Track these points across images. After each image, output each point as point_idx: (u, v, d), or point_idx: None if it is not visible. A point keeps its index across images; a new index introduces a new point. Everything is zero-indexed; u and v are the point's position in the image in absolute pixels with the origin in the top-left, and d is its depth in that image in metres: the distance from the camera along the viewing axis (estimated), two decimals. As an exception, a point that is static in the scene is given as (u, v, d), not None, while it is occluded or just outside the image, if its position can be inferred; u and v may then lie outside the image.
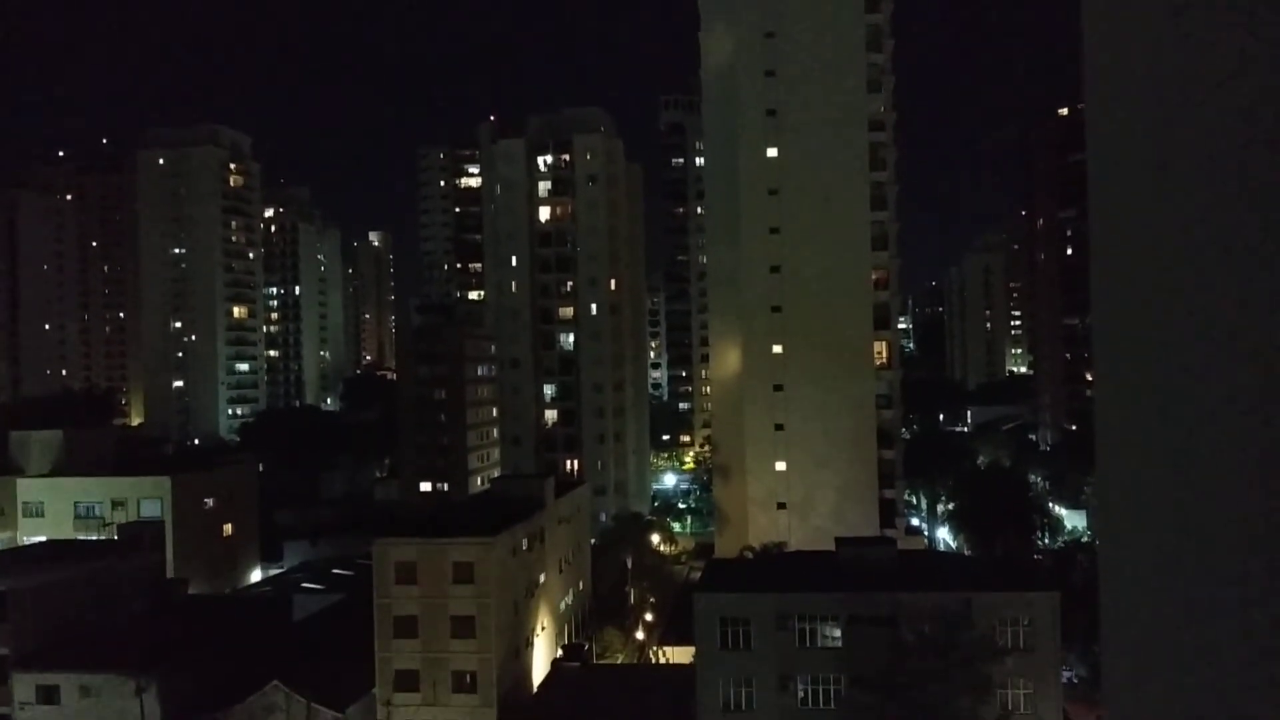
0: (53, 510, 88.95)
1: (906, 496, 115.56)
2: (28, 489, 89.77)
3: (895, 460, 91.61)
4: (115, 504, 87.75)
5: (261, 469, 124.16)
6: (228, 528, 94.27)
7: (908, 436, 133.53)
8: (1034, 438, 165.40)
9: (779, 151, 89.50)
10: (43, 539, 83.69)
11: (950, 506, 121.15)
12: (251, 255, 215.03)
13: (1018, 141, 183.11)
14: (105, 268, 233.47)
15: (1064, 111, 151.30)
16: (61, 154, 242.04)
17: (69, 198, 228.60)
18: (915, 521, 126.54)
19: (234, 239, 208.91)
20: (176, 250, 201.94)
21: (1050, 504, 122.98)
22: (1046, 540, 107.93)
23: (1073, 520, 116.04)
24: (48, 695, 60.64)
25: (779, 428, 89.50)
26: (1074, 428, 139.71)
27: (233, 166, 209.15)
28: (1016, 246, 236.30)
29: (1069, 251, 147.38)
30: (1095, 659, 55.14)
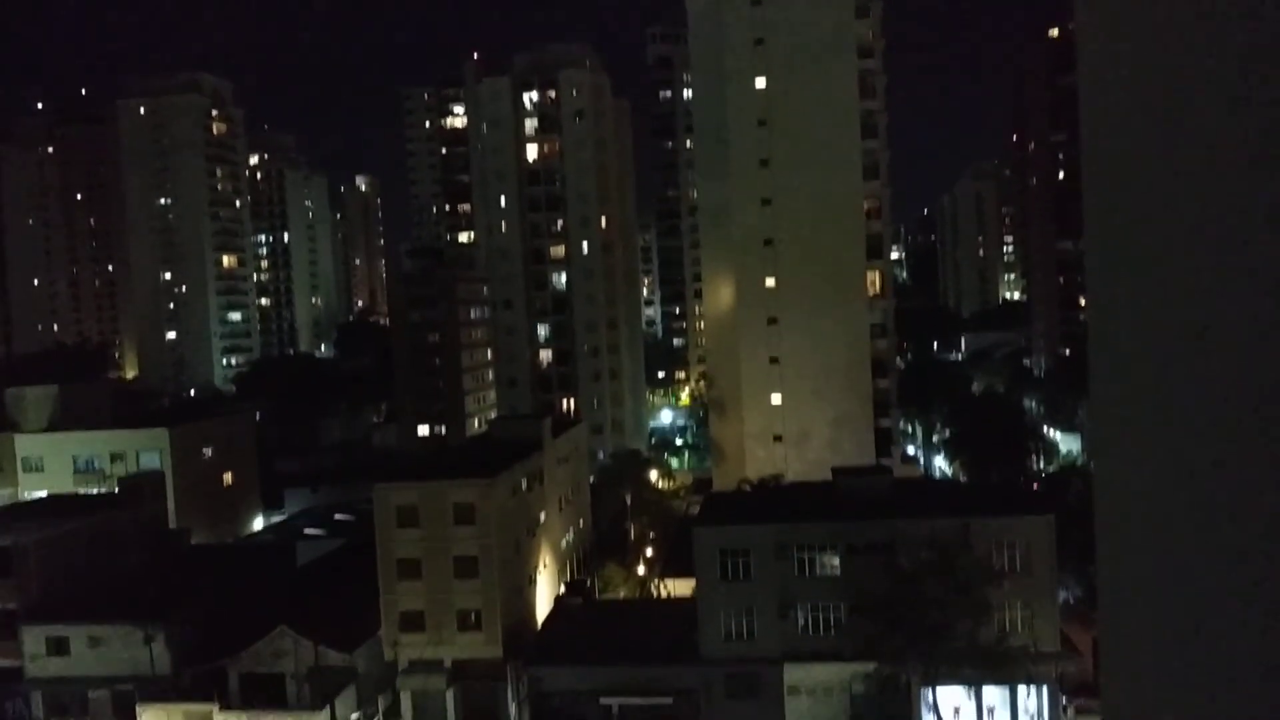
0: (52, 465, 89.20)
1: (902, 425, 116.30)
2: (26, 445, 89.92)
3: (890, 390, 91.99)
4: (114, 457, 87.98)
5: (259, 418, 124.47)
6: (228, 477, 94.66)
7: (902, 366, 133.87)
8: (1028, 363, 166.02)
9: (767, 82, 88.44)
10: (44, 494, 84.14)
11: (946, 434, 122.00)
12: (238, 203, 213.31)
13: (1008, 65, 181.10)
14: (91, 220, 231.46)
15: (1054, 33, 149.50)
16: (40, 105, 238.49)
17: (50, 150, 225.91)
18: (911, 450, 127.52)
19: (220, 188, 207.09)
20: (162, 200, 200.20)
21: (1045, 428, 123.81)
22: (1042, 464, 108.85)
23: (1067, 444, 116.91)
24: (58, 646, 61.40)
25: (774, 361, 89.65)
26: (1068, 352, 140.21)
27: (215, 114, 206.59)
28: (1008, 172, 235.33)
29: (1060, 175, 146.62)
30: (1091, 579, 55.90)
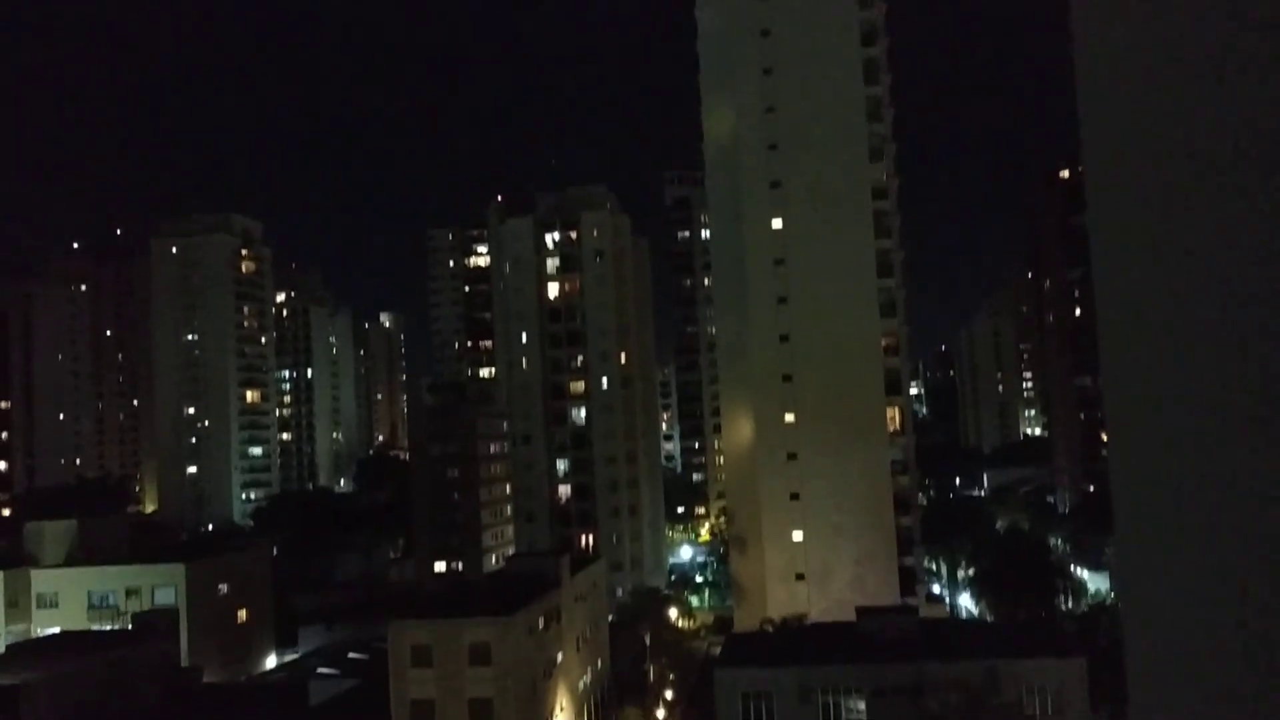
0: (67, 601, 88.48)
1: (926, 563, 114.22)
2: (42, 580, 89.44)
3: (913, 527, 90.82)
4: (129, 593, 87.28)
5: (275, 553, 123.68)
6: (242, 614, 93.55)
7: (924, 503, 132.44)
8: (1052, 500, 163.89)
9: (784, 222, 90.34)
10: (56, 630, 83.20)
11: (970, 572, 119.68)
12: (264, 340, 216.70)
13: (1021, 204, 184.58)
14: (119, 355, 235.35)
15: (1065, 174, 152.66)
16: (77, 245, 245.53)
17: (83, 288, 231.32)
18: (936, 588, 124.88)
19: (246, 324, 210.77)
20: (189, 337, 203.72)
21: (1072, 567, 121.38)
22: (1070, 604, 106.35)
23: (1095, 583, 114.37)
24: (62, 790, 59.72)
25: (794, 497, 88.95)
26: (1092, 489, 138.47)
27: (245, 253, 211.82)
28: (1025, 309, 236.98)
29: (1077, 312, 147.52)
30: (1126, 726, 53.95)
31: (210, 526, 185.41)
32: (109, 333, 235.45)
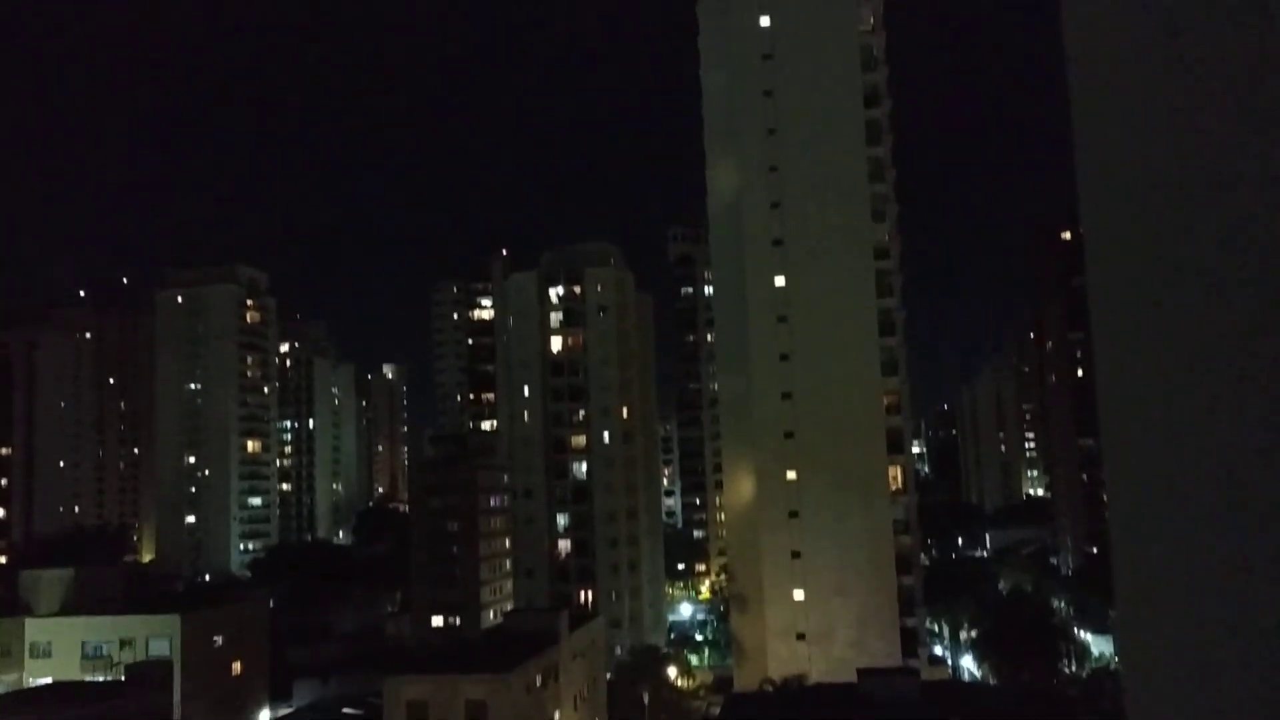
0: (60, 650, 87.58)
1: (928, 624, 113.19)
2: (35, 629, 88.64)
3: (915, 587, 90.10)
4: (123, 643, 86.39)
5: (272, 604, 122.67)
6: (237, 666, 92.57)
7: (927, 563, 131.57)
8: (1055, 561, 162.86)
9: (786, 280, 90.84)
10: (49, 680, 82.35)
11: (973, 634, 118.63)
12: (266, 390, 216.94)
13: (1023, 265, 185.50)
14: (122, 404, 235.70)
15: (1067, 235, 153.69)
16: (82, 294, 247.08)
17: (88, 336, 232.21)
18: (938, 650, 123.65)
19: (249, 374, 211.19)
20: (192, 386, 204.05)
21: (1075, 629, 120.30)
22: (1073, 668, 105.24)
23: (1099, 646, 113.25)
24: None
25: (795, 555, 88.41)
26: (1095, 551, 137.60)
27: (249, 303, 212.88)
28: (1027, 369, 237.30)
29: (1079, 373, 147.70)
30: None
31: (207, 576, 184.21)
32: (112, 381, 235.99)
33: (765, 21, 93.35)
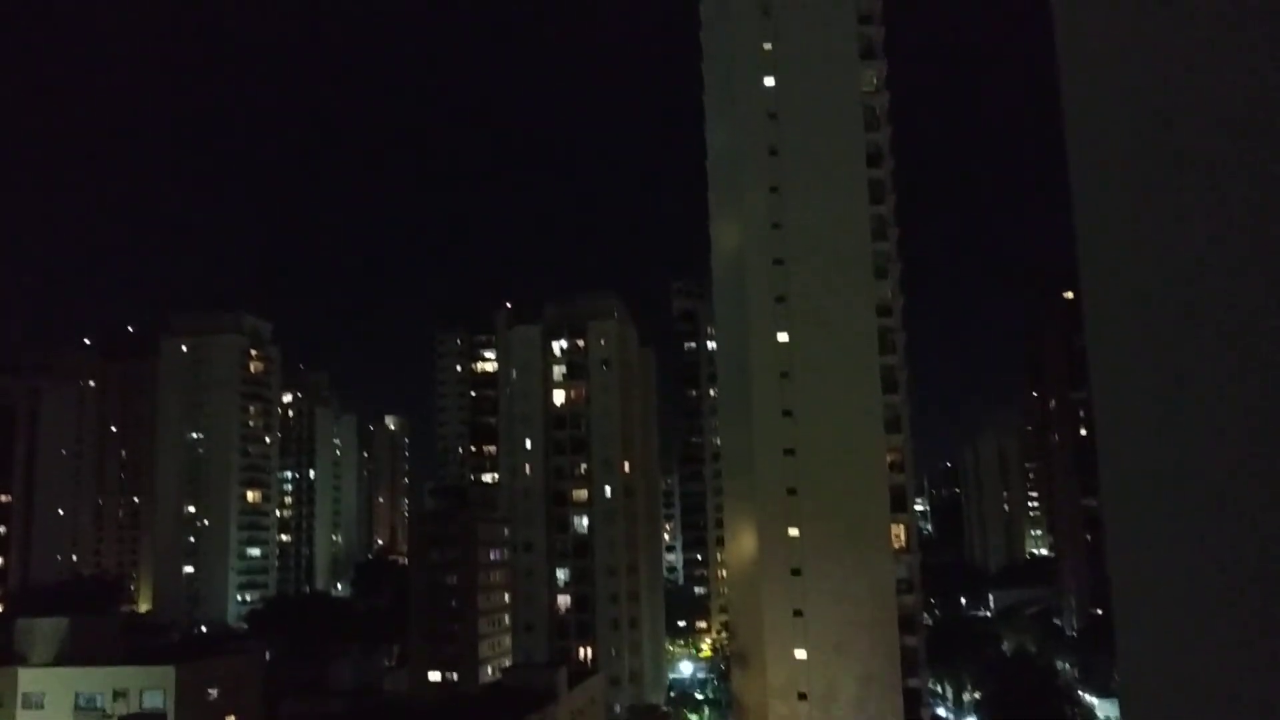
0: (53, 701, 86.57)
1: (931, 685, 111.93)
2: (29, 679, 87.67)
3: (918, 647, 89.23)
4: (117, 694, 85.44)
5: (268, 657, 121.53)
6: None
7: (930, 622, 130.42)
8: (1059, 623, 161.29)
9: (789, 336, 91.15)
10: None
11: (976, 696, 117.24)
12: (268, 439, 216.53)
13: (1025, 323, 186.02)
14: (123, 452, 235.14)
15: (1069, 295, 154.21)
16: (87, 341, 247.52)
17: (91, 383, 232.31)
18: (941, 712, 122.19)
19: (251, 424, 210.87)
20: (194, 435, 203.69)
21: (1080, 692, 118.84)
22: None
23: (1104, 709, 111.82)
24: None
25: (797, 614, 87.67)
26: (1099, 612, 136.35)
27: (253, 353, 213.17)
28: (1030, 428, 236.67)
29: (1082, 432, 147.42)
30: None
31: (204, 628, 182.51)
32: (114, 429, 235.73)
33: (770, 81, 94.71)
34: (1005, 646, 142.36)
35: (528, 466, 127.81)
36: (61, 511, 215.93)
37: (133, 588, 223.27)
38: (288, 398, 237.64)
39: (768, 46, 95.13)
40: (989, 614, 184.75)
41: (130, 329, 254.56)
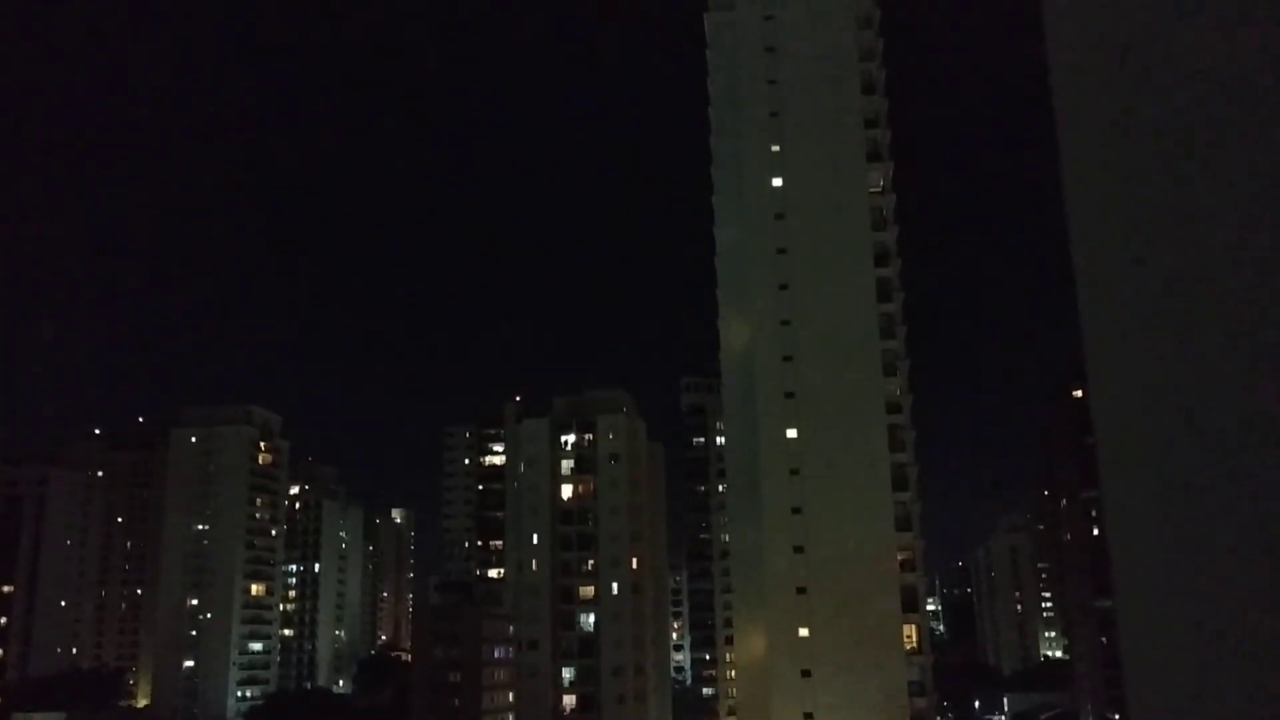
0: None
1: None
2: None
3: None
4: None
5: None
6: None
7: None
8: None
9: (798, 432, 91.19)
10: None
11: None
12: (274, 532, 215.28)
13: (1036, 423, 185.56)
14: (128, 543, 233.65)
15: (1079, 393, 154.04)
16: (97, 431, 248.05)
17: (99, 474, 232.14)
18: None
19: (258, 516, 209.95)
20: (200, 527, 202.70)
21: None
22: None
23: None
24: None
25: (808, 716, 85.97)
26: (1116, 717, 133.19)
27: (262, 445, 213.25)
28: (1042, 527, 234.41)
29: (1095, 532, 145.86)
30: None
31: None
32: (120, 519, 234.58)
33: (778, 182, 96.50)
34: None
35: (534, 562, 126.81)
36: (63, 603, 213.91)
37: (132, 681, 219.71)
38: (295, 490, 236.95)
39: (776, 149, 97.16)
40: (1003, 718, 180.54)
41: (140, 420, 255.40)
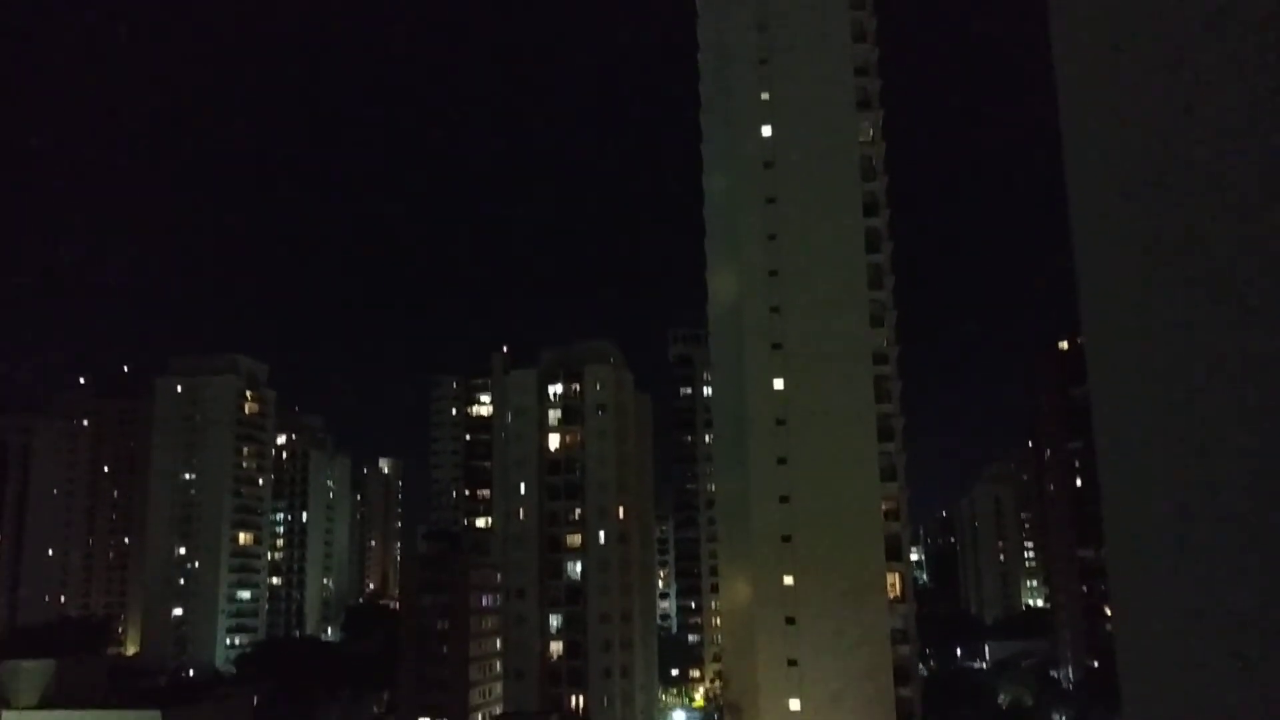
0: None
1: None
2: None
3: (913, 699, 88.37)
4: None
5: (256, 702, 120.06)
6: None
7: (925, 673, 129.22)
8: (1056, 675, 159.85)
9: (785, 383, 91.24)
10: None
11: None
12: (261, 481, 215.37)
13: (1022, 373, 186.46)
14: (115, 492, 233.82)
15: (1064, 345, 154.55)
16: (83, 380, 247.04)
17: (85, 423, 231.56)
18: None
19: (245, 465, 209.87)
20: (187, 476, 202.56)
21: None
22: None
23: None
24: None
25: (792, 663, 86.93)
26: (1097, 664, 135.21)
27: (249, 394, 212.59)
28: (1026, 477, 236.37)
29: (1078, 483, 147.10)
30: None
31: (191, 671, 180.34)
32: (106, 468, 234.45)
33: (767, 131, 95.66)
34: (1001, 699, 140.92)
35: (521, 511, 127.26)
36: (51, 552, 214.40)
37: (121, 630, 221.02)
38: (282, 440, 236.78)
39: (765, 96, 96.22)
40: (985, 665, 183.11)
41: (126, 369, 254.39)
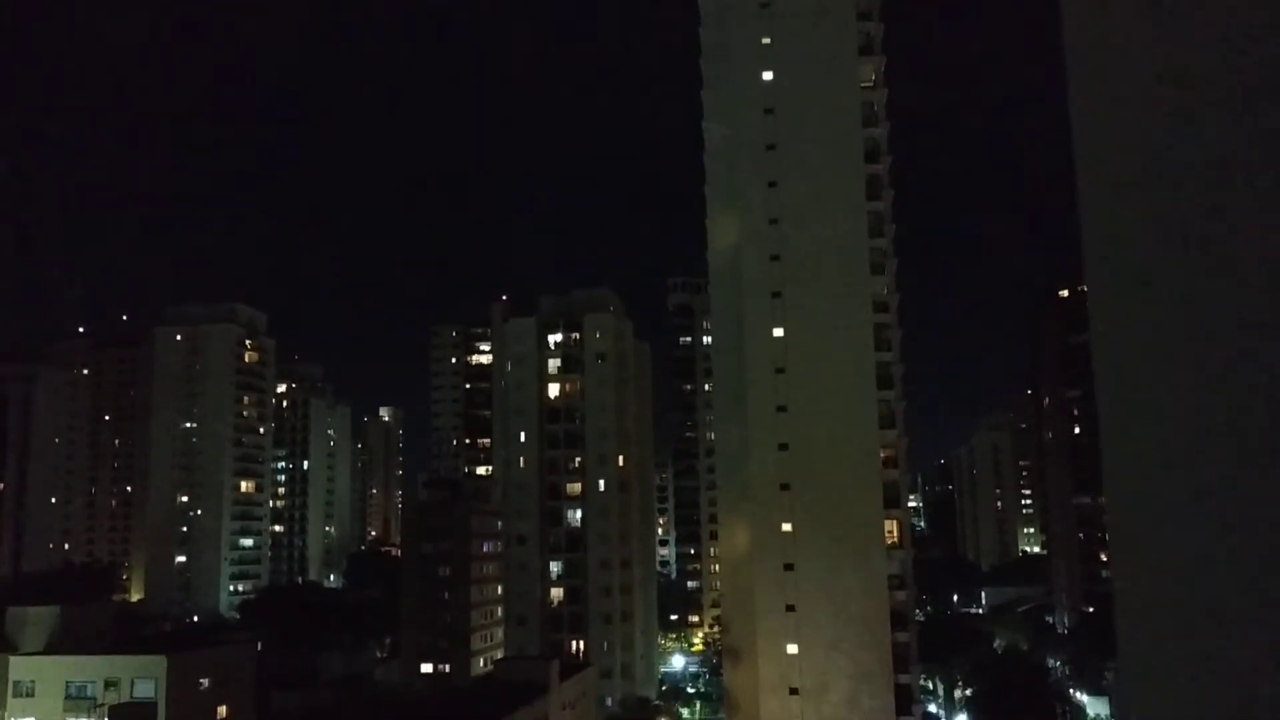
0: (43, 690, 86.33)
1: (922, 682, 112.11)
2: (20, 668, 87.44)
3: (910, 643, 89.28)
4: (108, 684, 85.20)
5: (260, 647, 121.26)
6: (222, 710, 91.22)
7: (922, 619, 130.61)
8: (1051, 620, 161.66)
9: (785, 331, 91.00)
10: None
11: (968, 693, 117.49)
12: (262, 430, 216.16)
13: (1022, 322, 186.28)
14: (116, 441, 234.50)
15: (1065, 293, 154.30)
16: (82, 330, 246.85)
17: (85, 372, 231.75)
18: (932, 708, 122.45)
19: (245, 414, 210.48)
20: (187, 424, 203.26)
21: (1071, 690, 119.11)
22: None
23: (1095, 707, 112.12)
24: None
25: (790, 609, 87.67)
26: (1091, 610, 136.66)
27: (248, 343, 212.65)
28: (1024, 425, 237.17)
29: (1076, 431, 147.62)
30: None
31: (195, 617, 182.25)
32: (107, 417, 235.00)
33: (768, 76, 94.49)
34: (997, 644, 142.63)
35: (522, 459, 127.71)
36: (54, 500, 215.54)
37: (125, 577, 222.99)
38: (282, 388, 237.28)
39: (766, 41, 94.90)
40: (981, 611, 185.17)
41: (125, 318, 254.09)
